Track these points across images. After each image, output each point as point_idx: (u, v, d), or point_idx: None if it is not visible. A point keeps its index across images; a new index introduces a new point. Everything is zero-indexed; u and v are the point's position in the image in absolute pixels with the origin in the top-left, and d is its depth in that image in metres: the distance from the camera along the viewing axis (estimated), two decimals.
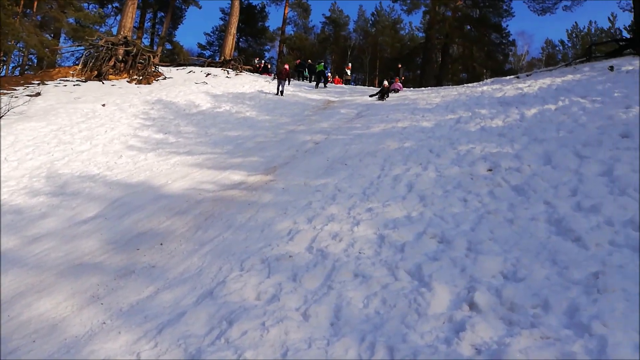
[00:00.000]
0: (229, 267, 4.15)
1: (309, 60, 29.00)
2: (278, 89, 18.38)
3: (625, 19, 57.37)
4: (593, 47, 16.56)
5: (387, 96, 16.22)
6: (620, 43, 16.23)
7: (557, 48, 43.74)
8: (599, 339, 2.59)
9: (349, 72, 30.04)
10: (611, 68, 11.86)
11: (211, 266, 4.26)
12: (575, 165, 5.75)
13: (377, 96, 16.45)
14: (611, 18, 38.28)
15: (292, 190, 6.42)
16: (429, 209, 5.07)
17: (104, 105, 15.79)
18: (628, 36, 19.99)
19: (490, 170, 6.21)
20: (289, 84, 19.70)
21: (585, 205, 4.61)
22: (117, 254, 4.85)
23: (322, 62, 24.64)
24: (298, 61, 29.27)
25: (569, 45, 42.02)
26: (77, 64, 21.80)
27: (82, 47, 22.24)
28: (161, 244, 4.99)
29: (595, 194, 4.80)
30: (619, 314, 2.80)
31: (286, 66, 20.93)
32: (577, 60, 16.26)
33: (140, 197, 6.81)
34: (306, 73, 26.84)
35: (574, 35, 41.50)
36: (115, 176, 8.22)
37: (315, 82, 22.48)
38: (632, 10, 16.57)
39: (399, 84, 18.53)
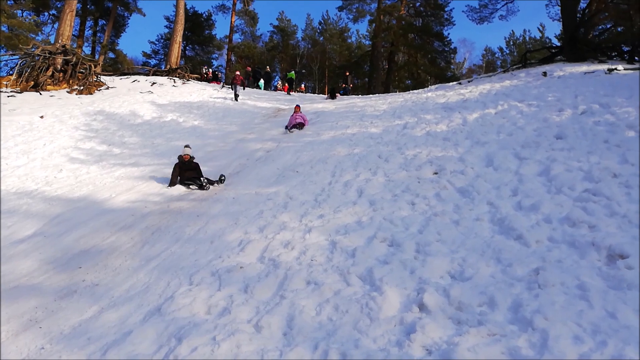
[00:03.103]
0: (178, 281, 4.02)
1: (268, 68, 28.88)
2: (235, 94, 18.75)
3: (554, 28, 61.13)
4: (528, 54, 17.49)
5: (335, 97, 18.60)
6: (552, 50, 17.27)
7: (496, 55, 45.96)
8: (541, 333, 2.70)
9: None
10: (544, 74, 12.57)
11: (159, 282, 4.11)
12: (515, 166, 6.03)
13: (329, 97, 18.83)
14: (540, 28, 40.75)
15: (242, 200, 6.33)
16: (378, 214, 5.14)
17: (42, 117, 14.96)
18: (558, 44, 21.28)
19: (436, 173, 6.39)
20: (243, 89, 19.74)
21: (526, 204, 4.83)
22: (57, 274, 4.59)
23: (292, 70, 26.16)
24: (249, 68, 29.01)
25: (507, 52, 44.26)
26: (12, 74, 20.61)
27: (17, 56, 21.05)
28: (104, 264, 4.77)
29: (534, 194, 5.04)
30: (559, 307, 2.93)
31: (237, 73, 20.94)
32: (514, 67, 17.15)
33: (82, 213, 6.49)
34: (261, 83, 26.80)
35: (511, 43, 43.80)
36: (55, 191, 7.80)
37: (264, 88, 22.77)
38: (561, 20, 17.68)
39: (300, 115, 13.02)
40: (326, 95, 19.62)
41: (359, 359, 2.70)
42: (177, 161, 8.08)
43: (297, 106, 12.89)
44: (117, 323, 3.47)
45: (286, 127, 12.10)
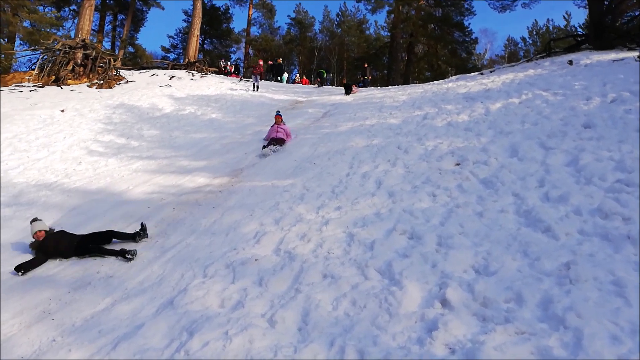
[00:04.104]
0: (192, 274, 3.93)
1: (280, 60, 28.81)
2: (255, 85, 19.00)
3: (579, 17, 59.42)
4: (552, 42, 16.96)
5: (351, 91, 17.16)
6: (578, 39, 16.70)
7: (519, 45, 44.89)
8: (574, 332, 2.52)
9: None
10: (570, 62, 12.14)
11: (173, 274, 4.03)
12: (541, 156, 5.77)
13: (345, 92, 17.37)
14: (566, 16, 39.60)
15: (258, 192, 6.22)
16: (398, 205, 4.97)
17: (62, 110, 15.15)
18: (584, 32, 20.60)
19: (458, 164, 6.18)
20: (260, 79, 19.76)
21: (553, 195, 4.60)
22: (72, 266, 4.56)
23: (323, 69, 27.35)
24: (271, 62, 28.95)
25: (530, 42, 43.19)
26: (33, 69, 20.93)
27: (38, 52, 21.35)
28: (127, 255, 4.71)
29: (562, 184, 4.80)
30: (593, 304, 2.74)
31: (260, 62, 21.02)
32: (538, 56, 16.64)
33: (99, 205, 6.48)
34: (283, 78, 26.96)
35: (534, 33, 42.68)
36: (74, 183, 7.82)
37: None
38: (587, 6, 17.07)
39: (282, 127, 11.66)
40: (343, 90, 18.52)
41: (377, 358, 2.55)
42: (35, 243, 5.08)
43: (278, 115, 10.26)
44: (129, 316, 3.40)
45: (263, 146, 9.22)
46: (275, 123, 10.04)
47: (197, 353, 2.75)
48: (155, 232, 5.28)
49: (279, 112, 10.48)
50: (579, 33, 22.11)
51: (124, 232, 5.20)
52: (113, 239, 5.08)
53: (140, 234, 5.08)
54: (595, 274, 3.09)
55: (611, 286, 2.95)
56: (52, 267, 4.56)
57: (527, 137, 6.60)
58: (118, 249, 4.67)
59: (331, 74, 33.13)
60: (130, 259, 4.55)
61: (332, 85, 31.55)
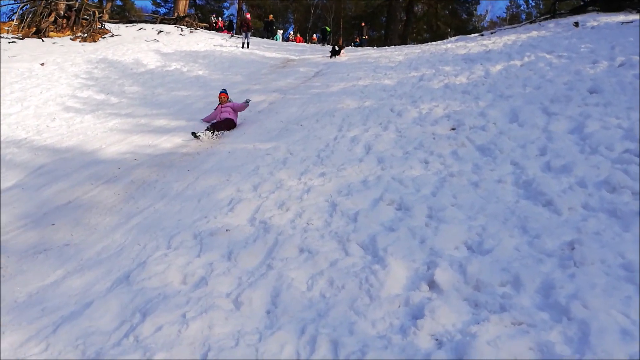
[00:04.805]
0: (155, 244, 3.54)
1: (271, 17, 27.67)
2: (243, 42, 18.48)
3: None
4: (557, 3, 16.19)
5: (338, 54, 15.74)
6: (584, 0, 15.95)
7: (522, 7, 43.58)
8: (579, 325, 2.18)
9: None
10: (576, 24, 11.53)
11: (134, 244, 3.64)
12: (543, 122, 5.36)
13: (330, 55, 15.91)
14: None
15: (239, 154, 5.79)
16: (387, 172, 4.58)
17: (42, 64, 14.41)
18: None
19: (453, 129, 5.76)
20: (249, 36, 18.94)
21: (556, 165, 4.21)
22: (27, 231, 4.16)
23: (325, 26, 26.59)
24: (271, 17, 27.76)
25: (533, 4, 41.89)
26: (13, 20, 19.86)
27: (17, 1, 20.21)
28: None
29: (565, 153, 4.40)
30: (600, 292, 2.39)
31: (247, 16, 20.12)
32: (542, 17, 15.92)
33: (67, 164, 6.02)
34: (277, 37, 25.95)
35: None
36: (44, 141, 7.33)
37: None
38: None
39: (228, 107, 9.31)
40: (329, 54, 16.44)
41: (352, 350, 2.21)
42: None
43: (223, 93, 8.43)
44: (80, 291, 3.03)
45: (207, 128, 7.45)
46: (219, 103, 8.33)
47: (147, 339, 2.40)
48: (123, 196, 4.87)
49: (224, 90, 8.71)
50: None
51: None
52: None
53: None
54: (602, 256, 2.73)
55: (621, 270, 2.61)
56: (5, 233, 4.15)
57: (529, 101, 6.16)
58: None
59: (331, 30, 31.89)
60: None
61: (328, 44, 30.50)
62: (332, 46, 17.04)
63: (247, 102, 8.10)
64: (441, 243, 3.13)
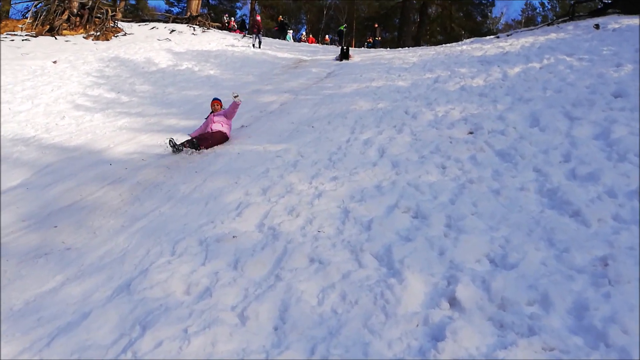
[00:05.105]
0: (159, 250, 3.39)
1: (280, 18, 27.56)
2: (254, 43, 18.32)
3: None
4: (575, 5, 15.84)
5: (347, 58, 14.92)
6: (604, 1, 15.58)
7: (537, 10, 43.02)
8: (620, 353, 1.97)
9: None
10: (597, 26, 11.19)
11: (138, 249, 3.49)
12: (566, 127, 5.11)
13: (338, 58, 15.17)
14: None
15: (248, 156, 5.62)
16: (402, 177, 4.38)
17: (55, 62, 14.45)
18: None
19: (471, 133, 5.54)
20: (260, 36, 18.86)
21: (581, 172, 3.98)
22: (30, 233, 4.04)
23: (344, 24, 26.41)
24: (280, 18, 27.67)
25: (549, 7, 41.31)
26: (27, 17, 19.98)
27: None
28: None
29: (591, 160, 4.16)
30: None
31: (258, 18, 20.15)
32: (560, 20, 15.56)
33: (75, 163, 5.93)
34: (288, 37, 25.85)
35: None
36: (53, 139, 7.26)
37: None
38: None
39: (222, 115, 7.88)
40: (336, 56, 15.62)
41: None
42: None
43: (216, 100, 7.40)
44: (79, 299, 2.88)
45: (188, 141, 6.42)
46: (211, 112, 7.29)
47: (146, 355, 2.23)
48: (129, 198, 4.73)
49: (217, 98, 7.67)
50: None
51: None
52: None
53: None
54: (638, 274, 2.51)
55: None
56: (6, 235, 4.03)
57: (550, 105, 5.91)
58: None
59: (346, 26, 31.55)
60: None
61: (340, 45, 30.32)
62: (340, 47, 16.13)
63: (235, 98, 6.76)
64: (462, 255, 2.93)
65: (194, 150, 6.22)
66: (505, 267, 2.79)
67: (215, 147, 6.44)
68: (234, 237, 3.40)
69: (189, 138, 6.58)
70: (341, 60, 14.93)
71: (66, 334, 2.47)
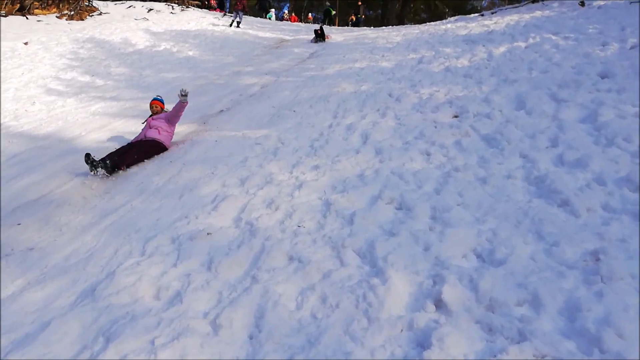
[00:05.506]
0: (128, 249, 3.18)
1: None
2: (236, 21, 17.60)
3: None
4: None
5: (323, 39, 14.28)
6: None
7: None
8: (615, 358, 1.85)
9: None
10: (582, 3, 11.07)
11: (106, 248, 3.28)
12: (552, 110, 4.98)
13: (314, 40, 14.49)
14: None
15: (226, 144, 5.39)
16: (386, 165, 4.21)
17: (26, 43, 13.83)
18: None
19: (456, 116, 5.38)
20: (243, 15, 18.31)
21: (569, 158, 3.86)
22: None
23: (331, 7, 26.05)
24: None
25: None
26: None
27: None
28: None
29: (578, 145, 4.04)
30: (635, 316, 2.07)
31: None
32: None
33: (43, 153, 5.63)
34: (270, 15, 25.28)
35: None
36: (22, 127, 6.90)
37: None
38: None
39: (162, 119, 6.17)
40: (313, 37, 14.73)
41: None
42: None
43: (156, 100, 6.24)
44: (39, 307, 2.67)
45: (103, 164, 4.84)
46: (150, 115, 6.09)
47: None
48: (99, 191, 4.49)
49: (158, 97, 6.39)
50: None
51: None
52: None
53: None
54: (632, 269, 2.40)
55: None
56: None
57: (536, 86, 5.77)
58: None
59: (336, 13, 30.93)
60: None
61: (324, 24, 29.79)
62: (315, 31, 14.79)
63: (182, 95, 5.72)
64: (448, 251, 2.78)
65: (105, 173, 4.81)
66: (493, 264, 2.65)
67: (153, 157, 5.40)
68: (208, 234, 3.21)
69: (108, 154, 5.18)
70: (316, 42, 14.26)
71: (22, 348, 2.28)
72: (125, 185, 4.56)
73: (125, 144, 5.62)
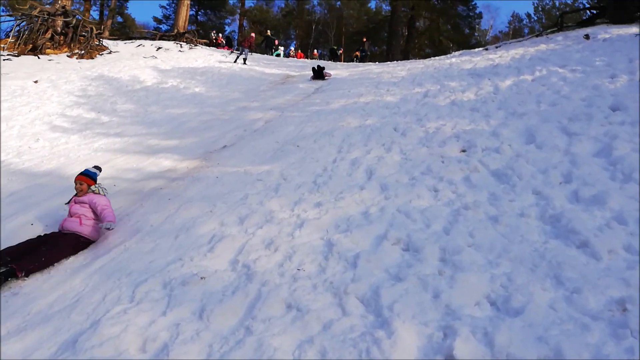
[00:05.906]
0: (117, 295, 2.98)
1: (268, 32, 27.65)
2: (243, 58, 17.94)
3: None
4: (564, 15, 15.78)
5: (321, 77, 13.64)
6: (592, 12, 15.53)
7: (524, 22, 43.41)
8: None
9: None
10: (587, 36, 11.05)
11: (94, 293, 3.08)
12: (564, 143, 4.81)
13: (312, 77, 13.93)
14: None
15: (227, 180, 5.25)
16: (391, 203, 4.03)
17: (36, 81, 14.05)
18: (599, 3, 19.31)
19: (464, 151, 5.22)
20: (251, 53, 18.66)
21: (585, 195, 3.66)
22: None
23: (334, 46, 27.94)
24: (268, 32, 27.76)
25: (535, 19, 41.70)
26: (9, 37, 19.60)
27: (14, 18, 19.96)
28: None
29: (594, 181, 3.85)
30: None
31: (252, 34, 19.96)
32: (549, 31, 15.47)
33: (41, 191, 5.52)
34: (278, 51, 25.93)
35: (540, 9, 41.13)
36: (23, 164, 6.83)
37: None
38: None
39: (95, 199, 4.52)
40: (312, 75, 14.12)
41: None
42: None
43: (82, 176, 4.67)
44: None
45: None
46: (75, 194, 4.66)
47: None
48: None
49: (86, 171, 4.80)
50: (595, 4, 20.72)
51: None
52: None
53: None
54: None
55: None
56: None
57: (545, 119, 5.63)
58: None
59: (341, 51, 31.91)
60: None
61: (330, 60, 30.31)
62: (313, 69, 13.98)
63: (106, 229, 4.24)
64: (459, 298, 2.56)
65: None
66: (509, 313, 2.42)
67: (69, 257, 4.00)
68: (202, 278, 3.01)
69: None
70: (315, 79, 13.70)
71: None
72: (120, 224, 4.39)
73: (35, 236, 4.24)
